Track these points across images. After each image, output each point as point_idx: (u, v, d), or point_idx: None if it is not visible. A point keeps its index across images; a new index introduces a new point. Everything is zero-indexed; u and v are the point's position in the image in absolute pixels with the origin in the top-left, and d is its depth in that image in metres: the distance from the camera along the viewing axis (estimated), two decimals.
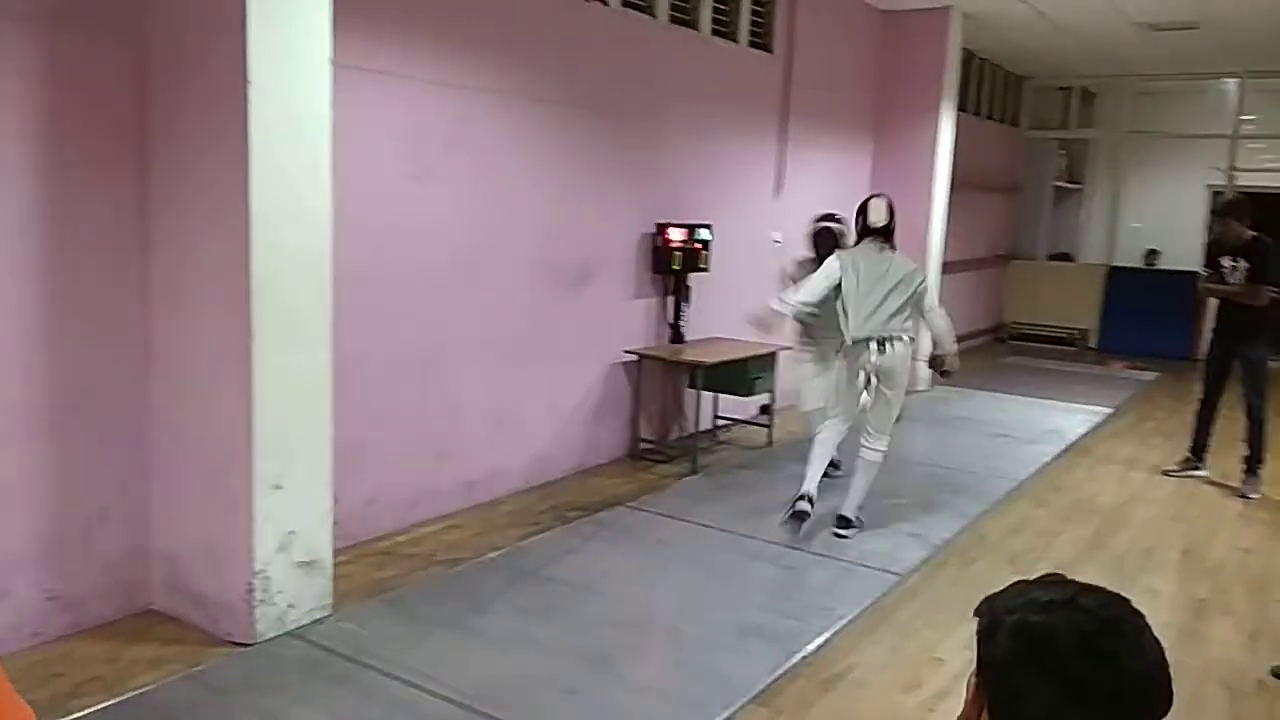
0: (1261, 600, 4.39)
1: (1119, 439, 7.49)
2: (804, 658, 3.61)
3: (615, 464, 6.14)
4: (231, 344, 3.40)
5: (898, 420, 5.09)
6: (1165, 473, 6.41)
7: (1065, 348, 11.96)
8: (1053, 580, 1.10)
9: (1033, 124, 12.54)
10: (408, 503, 4.81)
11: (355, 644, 3.54)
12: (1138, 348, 11.24)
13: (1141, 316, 11.47)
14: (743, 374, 6.26)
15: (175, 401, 3.62)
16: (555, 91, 5.40)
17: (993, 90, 11.43)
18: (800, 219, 7.90)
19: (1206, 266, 6.26)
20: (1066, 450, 6.99)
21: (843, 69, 8.36)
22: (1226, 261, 5.93)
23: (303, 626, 3.62)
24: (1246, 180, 11.26)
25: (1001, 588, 1.13)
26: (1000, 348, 12.06)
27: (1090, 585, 1.08)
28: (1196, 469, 6.36)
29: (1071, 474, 6.42)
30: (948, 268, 9.43)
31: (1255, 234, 5.88)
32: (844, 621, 3.93)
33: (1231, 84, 11.20)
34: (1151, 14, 8.32)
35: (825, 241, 5.68)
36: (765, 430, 6.81)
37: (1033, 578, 1.13)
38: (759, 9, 7.14)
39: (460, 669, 3.40)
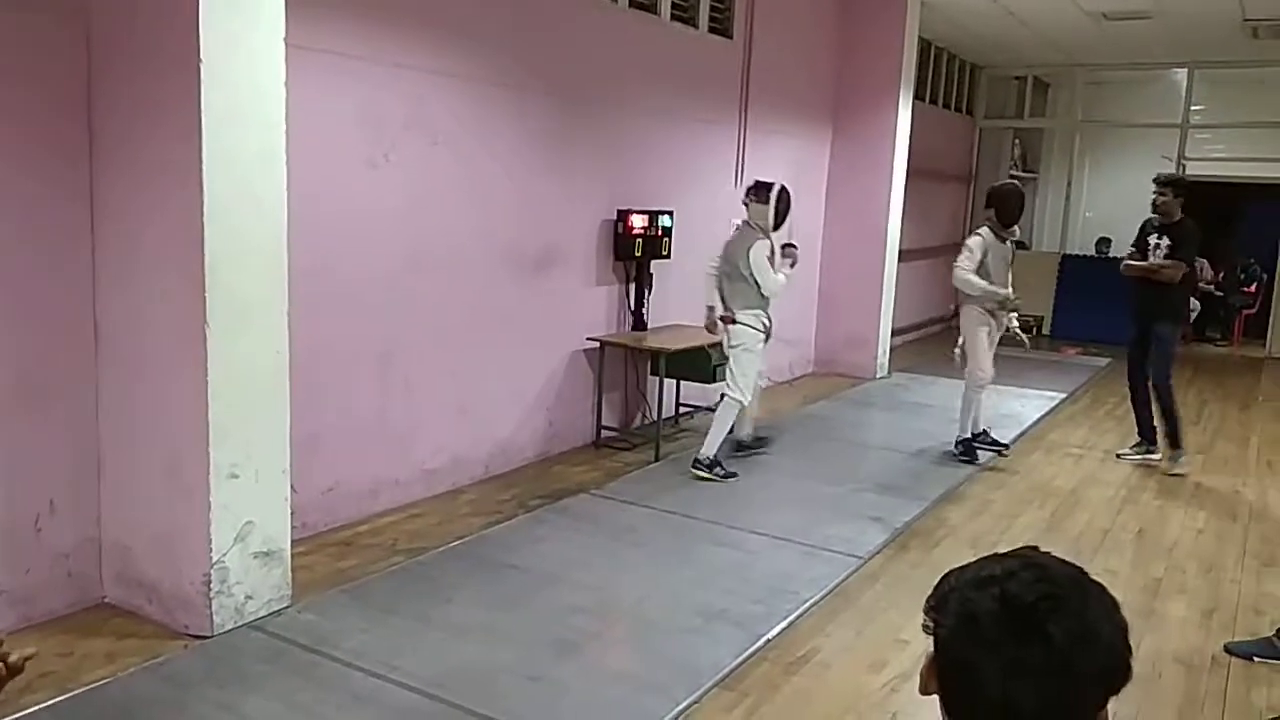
0: (1214, 579, 4.48)
1: (1073, 423, 7.61)
2: (768, 641, 3.62)
3: (578, 451, 6.11)
4: (185, 330, 3.31)
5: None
6: (1119, 456, 6.52)
7: (1020, 334, 12.10)
8: (1013, 554, 1.10)
9: (988, 113, 12.67)
10: (368, 492, 4.75)
11: (315, 635, 3.48)
12: (1090, 334, 11.40)
13: (1093, 304, 11.64)
14: (705, 361, 6.24)
15: (127, 388, 3.53)
16: (514, 75, 5.33)
17: (949, 79, 11.52)
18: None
19: (1134, 246, 6.34)
20: (1022, 435, 7.08)
21: (802, 56, 8.37)
22: (1154, 239, 6.07)
23: (261, 618, 3.55)
24: (1196, 169, 11.47)
25: (971, 561, 1.13)
26: (957, 334, 12.17)
27: (1044, 559, 1.08)
28: (1150, 452, 6.47)
29: (1028, 458, 6.51)
30: (904, 256, 9.50)
31: (1183, 215, 6.04)
32: (808, 604, 3.95)
33: (1181, 74, 11.40)
34: (1104, 4, 8.43)
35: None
36: None
37: (1004, 550, 1.13)
38: None
39: (422, 658, 3.36)
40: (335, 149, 4.36)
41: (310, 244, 4.03)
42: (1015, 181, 7.37)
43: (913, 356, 10.06)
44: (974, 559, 1.11)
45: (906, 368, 9.40)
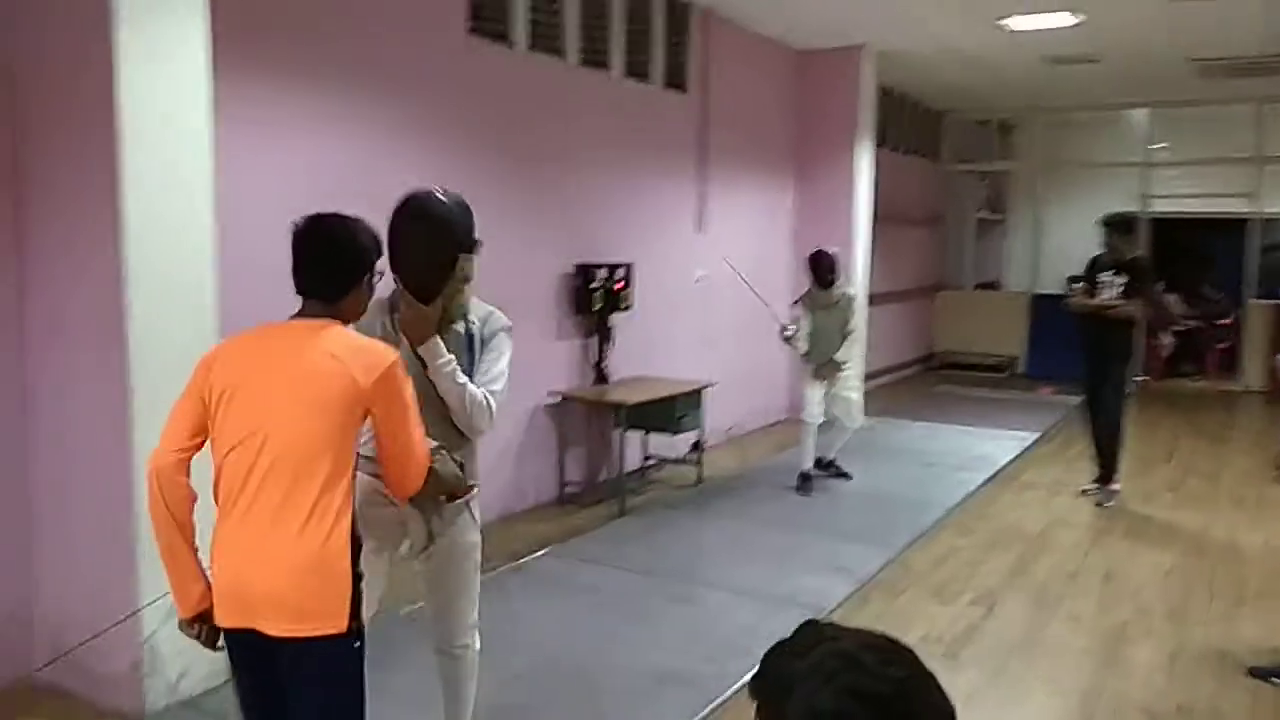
0: (1181, 622, 4.40)
1: (1045, 463, 7.55)
2: (722, 702, 3.52)
3: (541, 508, 6.02)
4: (111, 401, 3.24)
5: None
6: (1084, 492, 6.47)
7: (994, 374, 12.12)
8: (819, 637, 1.00)
9: (953, 157, 12.80)
10: None
11: None
12: (1063, 372, 11.37)
13: (1065, 342, 11.65)
14: (670, 412, 6.20)
15: (57, 464, 3.46)
16: (464, 136, 5.34)
17: (912, 125, 11.64)
18: (725, 256, 7.93)
19: (1081, 281, 6.29)
20: (994, 477, 7.02)
21: (760, 107, 8.45)
22: (1105, 276, 6.05)
23: (196, 696, 3.44)
24: (1161, 205, 11.60)
25: (771, 652, 1.04)
26: (931, 376, 12.19)
27: (863, 638, 0.99)
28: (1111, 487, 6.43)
29: (998, 500, 6.45)
30: (875, 300, 9.53)
31: (1139, 253, 6.09)
32: None
33: (1141, 114, 11.56)
34: (1053, 48, 8.55)
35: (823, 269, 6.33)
36: (695, 468, 6.74)
37: (791, 634, 1.04)
38: (673, 50, 7.19)
39: None
40: (275, 210, 4.32)
41: (242, 310, 3.97)
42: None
43: (886, 400, 10.03)
44: (788, 639, 1.03)
45: (879, 411, 9.35)
